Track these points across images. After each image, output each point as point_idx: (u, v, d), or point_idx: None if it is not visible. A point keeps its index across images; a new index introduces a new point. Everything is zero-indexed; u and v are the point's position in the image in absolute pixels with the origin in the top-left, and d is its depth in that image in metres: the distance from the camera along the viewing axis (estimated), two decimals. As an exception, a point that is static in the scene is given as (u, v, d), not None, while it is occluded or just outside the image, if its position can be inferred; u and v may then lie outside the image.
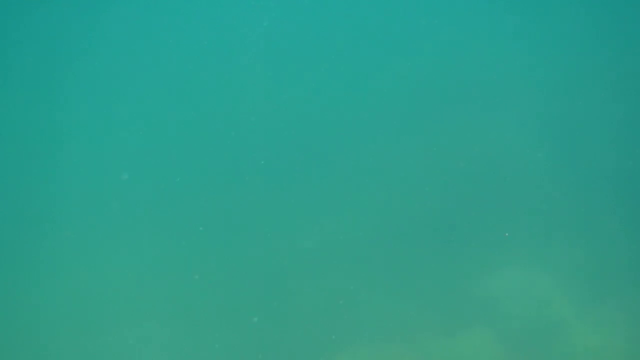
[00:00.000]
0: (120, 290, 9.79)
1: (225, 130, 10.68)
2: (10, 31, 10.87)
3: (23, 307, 9.69)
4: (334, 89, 10.97)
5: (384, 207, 10.28)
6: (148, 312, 9.65)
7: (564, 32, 11.04)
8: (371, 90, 10.93)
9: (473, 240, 10.01)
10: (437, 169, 10.46)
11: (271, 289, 9.86)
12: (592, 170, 10.34)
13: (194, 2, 11.33)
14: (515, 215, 10.12)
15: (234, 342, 9.47)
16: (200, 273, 9.86)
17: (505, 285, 9.76)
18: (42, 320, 9.62)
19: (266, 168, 10.46)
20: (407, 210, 10.24)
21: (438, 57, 11.01)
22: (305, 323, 9.62)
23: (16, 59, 10.78)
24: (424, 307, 9.66)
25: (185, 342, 9.48)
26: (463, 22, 11.20)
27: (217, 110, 10.91)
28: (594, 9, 11.12)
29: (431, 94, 10.82)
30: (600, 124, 10.59)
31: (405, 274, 9.87)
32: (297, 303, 9.76)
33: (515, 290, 9.73)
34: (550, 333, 9.45)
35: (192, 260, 9.95)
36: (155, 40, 11.03)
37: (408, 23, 11.24)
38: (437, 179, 10.40)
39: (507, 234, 9.96)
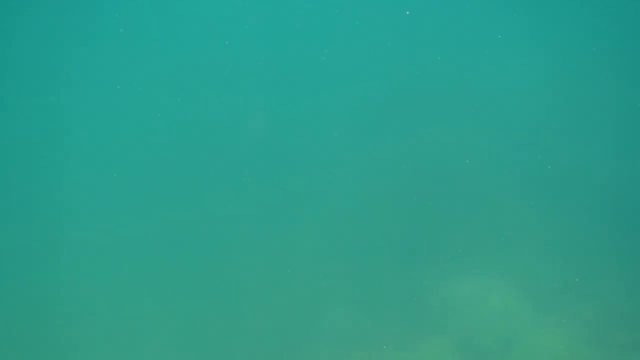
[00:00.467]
0: (118, 288, 9.93)
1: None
2: (10, 30, 10.82)
3: (23, 306, 9.82)
4: (296, 105, 10.84)
5: (343, 219, 10.25)
6: (140, 310, 9.82)
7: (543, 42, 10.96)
8: (334, 105, 10.80)
9: (430, 251, 10.02)
10: (395, 181, 10.40)
11: (232, 300, 9.89)
12: (547, 179, 10.30)
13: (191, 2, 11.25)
14: (471, 226, 10.12)
15: (193, 353, 9.62)
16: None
17: (463, 295, 9.80)
18: (42, 319, 9.76)
19: (232, 180, 10.43)
20: (365, 222, 10.23)
21: (406, 72, 10.89)
22: (265, 335, 9.70)
23: (17, 58, 10.75)
24: (383, 318, 9.71)
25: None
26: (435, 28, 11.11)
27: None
28: (586, 16, 11.01)
29: (392, 110, 10.70)
30: (555, 135, 10.52)
31: (364, 285, 9.90)
32: (256, 315, 9.81)
33: (473, 300, 9.77)
34: (508, 342, 9.55)
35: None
36: (150, 40, 10.97)
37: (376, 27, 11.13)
38: (395, 191, 10.35)
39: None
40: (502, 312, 9.71)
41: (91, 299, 9.83)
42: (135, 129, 10.64)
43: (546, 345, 9.48)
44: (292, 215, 10.28)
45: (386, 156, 10.48)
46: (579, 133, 10.47)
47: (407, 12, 10.92)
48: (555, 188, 10.23)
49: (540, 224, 10.08)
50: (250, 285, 9.95)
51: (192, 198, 10.35)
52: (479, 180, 10.33)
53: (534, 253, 9.96)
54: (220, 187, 10.37)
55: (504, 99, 10.64)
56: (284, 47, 10.94)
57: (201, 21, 11.03)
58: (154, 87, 10.79)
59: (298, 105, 10.78)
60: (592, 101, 10.59)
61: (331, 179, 10.44)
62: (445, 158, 10.46)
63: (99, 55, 10.81)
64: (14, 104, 10.61)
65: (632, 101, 10.50)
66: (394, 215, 10.24)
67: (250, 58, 10.88)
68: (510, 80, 10.71)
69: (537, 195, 10.22)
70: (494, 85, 10.70)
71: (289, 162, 10.54)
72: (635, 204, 10.12)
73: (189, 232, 10.16)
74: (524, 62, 10.74)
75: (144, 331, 9.72)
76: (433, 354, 9.50)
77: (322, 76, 10.86)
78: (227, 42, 10.87)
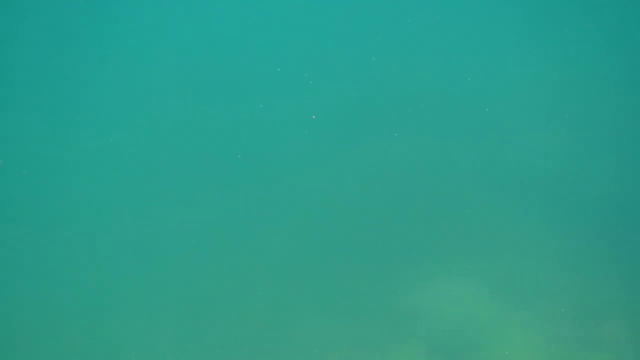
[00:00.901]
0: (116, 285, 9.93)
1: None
2: (13, 31, 10.87)
3: (24, 305, 9.80)
4: (269, 109, 10.86)
5: (315, 223, 10.25)
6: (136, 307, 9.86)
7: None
8: (311, 107, 10.84)
9: (402, 254, 10.04)
10: (367, 185, 10.44)
11: (202, 306, 9.85)
12: (513, 179, 10.42)
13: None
14: (442, 229, 10.18)
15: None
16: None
17: (434, 297, 9.85)
18: (43, 318, 9.75)
19: (204, 185, 10.43)
20: (337, 226, 10.23)
21: (380, 75, 10.98)
22: (237, 340, 9.67)
23: (18, 58, 10.77)
24: (356, 322, 9.75)
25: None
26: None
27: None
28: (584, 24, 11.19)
29: (371, 112, 10.78)
30: (529, 137, 10.67)
31: (336, 289, 9.92)
32: (228, 321, 9.78)
33: (444, 302, 9.83)
34: (478, 343, 9.63)
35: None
36: (149, 42, 11.04)
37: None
38: (368, 194, 10.38)
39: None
40: (473, 314, 9.79)
41: (90, 297, 9.87)
42: (131, 129, 10.71)
43: (516, 345, 9.62)
44: (264, 218, 10.27)
45: (360, 159, 10.55)
46: (552, 135, 10.66)
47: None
48: (525, 191, 10.38)
49: (509, 225, 10.22)
50: (221, 290, 9.91)
51: (169, 202, 10.38)
52: (450, 184, 10.43)
53: (503, 254, 10.08)
54: (189, 190, 10.37)
55: (483, 102, 10.81)
56: (259, 53, 11.02)
57: (200, 18, 11.21)
58: (150, 90, 10.89)
59: (271, 109, 10.81)
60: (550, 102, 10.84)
61: (304, 181, 10.46)
62: (417, 162, 10.56)
63: (99, 56, 10.90)
64: (14, 105, 10.67)
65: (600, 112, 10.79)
66: (365, 219, 10.29)
67: (224, 64, 10.97)
68: (483, 83, 10.89)
69: (506, 198, 10.35)
70: (464, 88, 10.89)
71: (262, 165, 10.53)
72: (602, 205, 10.31)
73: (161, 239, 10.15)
74: (506, 64, 10.96)
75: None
76: (405, 356, 9.56)
77: (297, 80, 10.93)
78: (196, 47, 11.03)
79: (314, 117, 10.52)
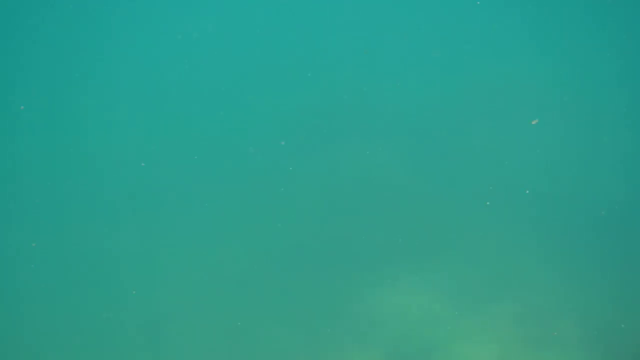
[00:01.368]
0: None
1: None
2: (14, 30, 10.79)
3: (25, 304, 9.73)
4: (216, 118, 10.80)
5: (268, 231, 10.16)
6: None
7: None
8: (253, 118, 10.79)
9: (355, 260, 10.01)
10: (317, 190, 10.39)
11: (157, 318, 9.74)
12: (469, 184, 10.44)
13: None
14: (394, 234, 10.16)
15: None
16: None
17: (388, 304, 9.84)
18: (45, 317, 9.69)
19: (161, 192, 10.35)
20: (288, 233, 10.15)
21: (326, 83, 10.97)
22: (192, 352, 9.60)
23: (19, 55, 10.71)
24: (313, 331, 9.70)
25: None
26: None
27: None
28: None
29: (315, 120, 10.74)
30: (473, 138, 10.72)
31: (288, 297, 9.84)
32: (181, 332, 9.68)
33: (398, 308, 9.82)
34: (433, 348, 9.67)
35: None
36: (150, 38, 10.99)
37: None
38: (318, 200, 10.33)
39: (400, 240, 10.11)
40: (429, 318, 9.82)
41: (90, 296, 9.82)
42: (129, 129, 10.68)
43: (472, 347, 9.68)
44: (214, 228, 10.16)
45: (320, 165, 10.50)
46: (495, 134, 10.72)
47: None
48: (478, 193, 10.40)
49: (462, 229, 10.25)
50: (177, 298, 9.80)
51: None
52: (401, 188, 10.42)
53: (458, 259, 10.11)
54: (148, 197, 10.31)
55: (451, 107, 10.83)
56: (229, 58, 10.99)
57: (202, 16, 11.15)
58: (150, 86, 10.87)
59: (219, 118, 10.75)
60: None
61: (251, 189, 10.37)
62: (365, 166, 10.54)
63: (100, 57, 10.88)
64: (15, 106, 10.61)
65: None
66: (316, 225, 10.23)
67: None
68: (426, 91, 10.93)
69: (458, 200, 10.37)
70: (433, 93, 10.93)
71: (210, 173, 10.45)
72: (557, 207, 10.39)
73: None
74: (479, 67, 10.99)
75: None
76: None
77: (260, 84, 10.91)
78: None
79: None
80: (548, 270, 10.07)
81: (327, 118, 10.76)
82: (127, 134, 10.62)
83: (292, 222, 10.22)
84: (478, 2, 11.22)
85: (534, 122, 9.93)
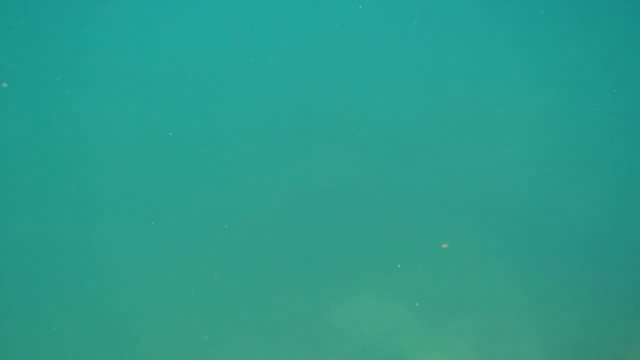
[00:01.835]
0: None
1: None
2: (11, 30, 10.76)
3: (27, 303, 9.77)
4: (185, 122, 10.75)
5: (234, 239, 10.13)
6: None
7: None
8: (230, 123, 10.78)
9: (322, 270, 10.00)
10: (287, 199, 10.35)
11: (125, 329, 9.75)
12: (439, 195, 10.43)
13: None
14: (362, 244, 10.15)
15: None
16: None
17: (354, 314, 9.83)
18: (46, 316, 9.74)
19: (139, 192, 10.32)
20: (257, 242, 10.12)
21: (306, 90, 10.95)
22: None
23: (13, 51, 10.67)
24: (274, 342, 9.70)
25: None
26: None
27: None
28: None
29: (292, 128, 10.73)
30: (442, 150, 10.71)
31: (253, 309, 9.82)
32: (144, 341, 9.67)
33: (364, 319, 9.82)
34: (399, 358, 9.69)
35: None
36: (150, 35, 11.03)
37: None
38: (287, 208, 10.31)
39: (398, 265, 10.09)
40: (392, 330, 9.81)
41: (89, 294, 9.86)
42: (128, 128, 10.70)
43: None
44: (180, 235, 10.14)
45: (279, 174, 10.46)
46: (471, 147, 10.71)
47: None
48: (448, 205, 10.39)
49: (430, 242, 10.22)
50: (138, 307, 9.78)
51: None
52: (370, 199, 10.40)
53: (424, 270, 10.09)
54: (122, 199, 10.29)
55: (400, 117, 10.81)
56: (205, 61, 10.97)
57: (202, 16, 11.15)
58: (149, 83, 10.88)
59: (192, 123, 10.74)
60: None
61: (223, 196, 10.35)
62: (337, 175, 10.51)
63: (100, 54, 10.88)
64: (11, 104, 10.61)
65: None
66: (285, 233, 10.20)
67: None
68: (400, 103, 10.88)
69: (427, 212, 10.34)
70: (405, 104, 10.89)
71: (180, 178, 10.42)
72: (528, 222, 10.38)
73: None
74: (451, 78, 10.99)
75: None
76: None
77: (232, 90, 10.89)
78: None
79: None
80: (516, 286, 10.07)
81: (302, 125, 10.76)
82: (110, 134, 10.65)
83: (260, 230, 10.21)
84: (471, 24, 11.28)
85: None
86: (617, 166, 10.70)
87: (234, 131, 10.71)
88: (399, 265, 10.02)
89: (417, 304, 9.92)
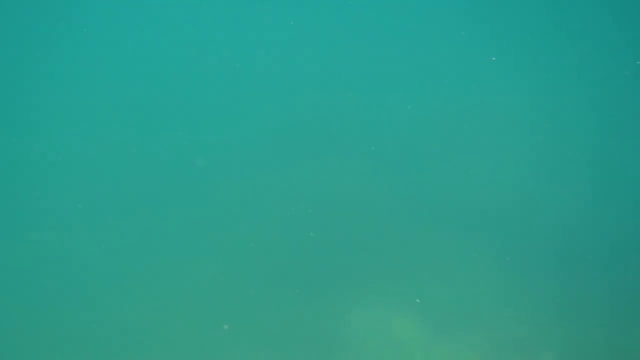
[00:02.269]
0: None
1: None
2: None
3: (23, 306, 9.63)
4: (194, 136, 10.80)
5: (240, 249, 10.03)
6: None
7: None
8: (232, 135, 10.81)
9: (330, 280, 9.86)
10: (293, 210, 10.28)
11: (129, 337, 9.58)
12: (446, 206, 10.36)
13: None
14: (371, 254, 10.03)
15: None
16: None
17: (363, 325, 9.66)
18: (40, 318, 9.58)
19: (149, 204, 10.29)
20: (264, 253, 10.02)
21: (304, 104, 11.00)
22: None
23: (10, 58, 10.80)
24: (283, 352, 9.51)
25: None
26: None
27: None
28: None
29: (294, 138, 10.74)
30: (451, 161, 10.70)
31: (262, 319, 9.65)
32: (151, 353, 9.51)
33: (372, 329, 9.64)
34: None
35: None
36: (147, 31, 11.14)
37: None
38: (293, 219, 10.23)
39: (418, 300, 9.86)
40: (402, 342, 9.62)
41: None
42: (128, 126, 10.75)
43: None
44: (186, 249, 10.04)
45: (284, 185, 10.42)
46: (475, 155, 10.72)
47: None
48: (456, 215, 10.30)
49: (442, 253, 10.09)
50: (145, 318, 9.61)
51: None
52: (378, 209, 10.32)
53: (436, 282, 9.94)
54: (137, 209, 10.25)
55: (427, 129, 10.85)
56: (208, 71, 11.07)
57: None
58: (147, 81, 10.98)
59: (202, 132, 10.76)
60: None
61: (227, 208, 10.28)
62: (341, 184, 10.47)
63: (94, 54, 11.01)
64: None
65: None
66: (292, 245, 10.09)
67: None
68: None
69: (435, 222, 10.25)
70: (409, 116, 10.93)
71: (182, 193, 10.37)
72: (531, 235, 10.25)
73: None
74: (454, 91, 11.06)
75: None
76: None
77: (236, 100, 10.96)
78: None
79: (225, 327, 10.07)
80: (531, 302, 9.90)
81: (306, 133, 10.76)
82: (108, 138, 10.66)
83: (265, 240, 10.11)
84: (463, 33, 11.36)
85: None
86: (618, 166, 10.72)
87: (245, 136, 10.71)
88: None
89: (418, 300, 9.77)
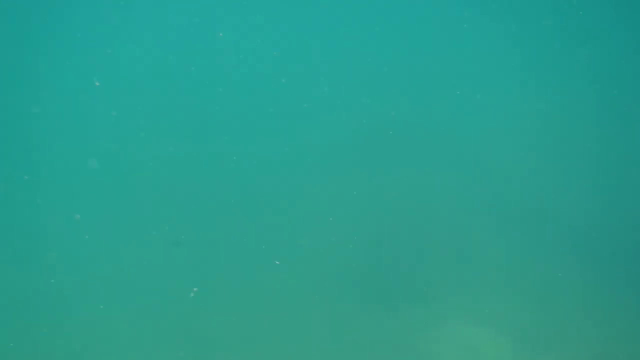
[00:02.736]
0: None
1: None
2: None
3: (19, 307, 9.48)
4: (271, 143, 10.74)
5: (318, 263, 9.85)
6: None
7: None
8: (309, 143, 10.71)
9: (413, 295, 9.62)
10: (374, 223, 10.13)
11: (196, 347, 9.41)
12: (528, 223, 10.13)
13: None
14: (454, 269, 9.82)
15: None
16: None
17: (449, 339, 9.36)
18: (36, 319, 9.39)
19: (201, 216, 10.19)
20: (346, 266, 9.84)
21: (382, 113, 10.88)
22: None
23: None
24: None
25: None
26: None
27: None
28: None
29: (371, 149, 10.63)
30: (528, 174, 10.59)
31: (345, 331, 9.43)
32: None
33: (458, 344, 9.34)
34: None
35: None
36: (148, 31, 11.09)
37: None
38: (375, 233, 10.05)
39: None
40: (486, 355, 9.27)
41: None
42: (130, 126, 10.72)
43: None
44: (262, 258, 9.88)
45: (366, 197, 10.26)
46: (560, 173, 10.60)
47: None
48: (537, 233, 10.07)
49: (526, 268, 9.85)
50: (224, 331, 9.41)
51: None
52: (461, 223, 10.11)
53: (518, 297, 9.67)
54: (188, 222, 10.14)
55: (488, 139, 10.74)
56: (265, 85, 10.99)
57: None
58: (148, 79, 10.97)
59: (273, 143, 10.66)
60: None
61: (306, 220, 10.12)
62: (427, 200, 10.26)
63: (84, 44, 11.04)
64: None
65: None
66: (373, 260, 9.90)
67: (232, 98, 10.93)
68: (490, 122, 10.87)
69: (520, 238, 10.02)
70: (467, 125, 10.85)
71: (260, 202, 10.24)
72: (628, 249, 10.03)
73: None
74: (506, 102, 11.02)
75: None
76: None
77: (302, 115, 10.88)
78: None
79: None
80: (623, 317, 9.55)
81: (379, 145, 10.63)
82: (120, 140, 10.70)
83: (343, 256, 9.93)
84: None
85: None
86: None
87: (312, 147, 10.65)
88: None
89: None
